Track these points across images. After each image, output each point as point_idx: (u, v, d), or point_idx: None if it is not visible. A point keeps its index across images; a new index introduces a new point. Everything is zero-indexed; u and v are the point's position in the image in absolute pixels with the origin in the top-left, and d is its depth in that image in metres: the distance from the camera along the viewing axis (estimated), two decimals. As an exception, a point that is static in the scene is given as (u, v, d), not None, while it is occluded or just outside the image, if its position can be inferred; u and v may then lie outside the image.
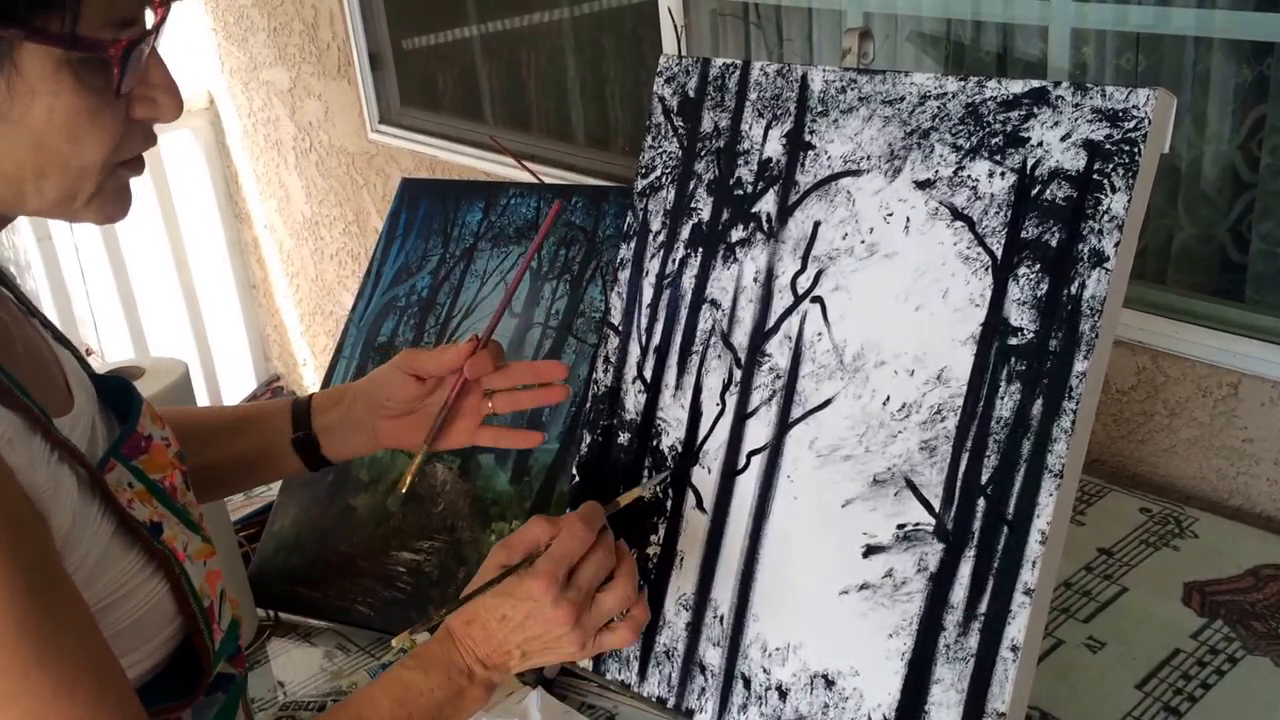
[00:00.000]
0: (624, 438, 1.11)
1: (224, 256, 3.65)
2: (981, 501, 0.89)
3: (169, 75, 0.76)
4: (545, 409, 1.33)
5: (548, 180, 1.71)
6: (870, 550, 0.94)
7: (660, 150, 1.12)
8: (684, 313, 1.08)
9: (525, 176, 1.81)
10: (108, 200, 0.76)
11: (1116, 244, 0.85)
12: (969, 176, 0.93)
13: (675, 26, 1.98)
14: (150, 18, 0.73)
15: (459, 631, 0.92)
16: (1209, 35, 1.48)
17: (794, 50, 1.98)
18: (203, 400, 3.46)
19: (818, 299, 1.00)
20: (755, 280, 1.04)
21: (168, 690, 0.82)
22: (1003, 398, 0.89)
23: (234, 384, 3.83)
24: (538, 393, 1.07)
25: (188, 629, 0.82)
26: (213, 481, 1.07)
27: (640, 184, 1.13)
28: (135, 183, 0.79)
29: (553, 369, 1.05)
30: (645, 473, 1.09)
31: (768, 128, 1.05)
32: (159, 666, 0.82)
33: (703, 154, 1.09)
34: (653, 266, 1.11)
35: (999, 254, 0.90)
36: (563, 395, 1.07)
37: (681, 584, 1.05)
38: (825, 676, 0.95)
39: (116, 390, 0.88)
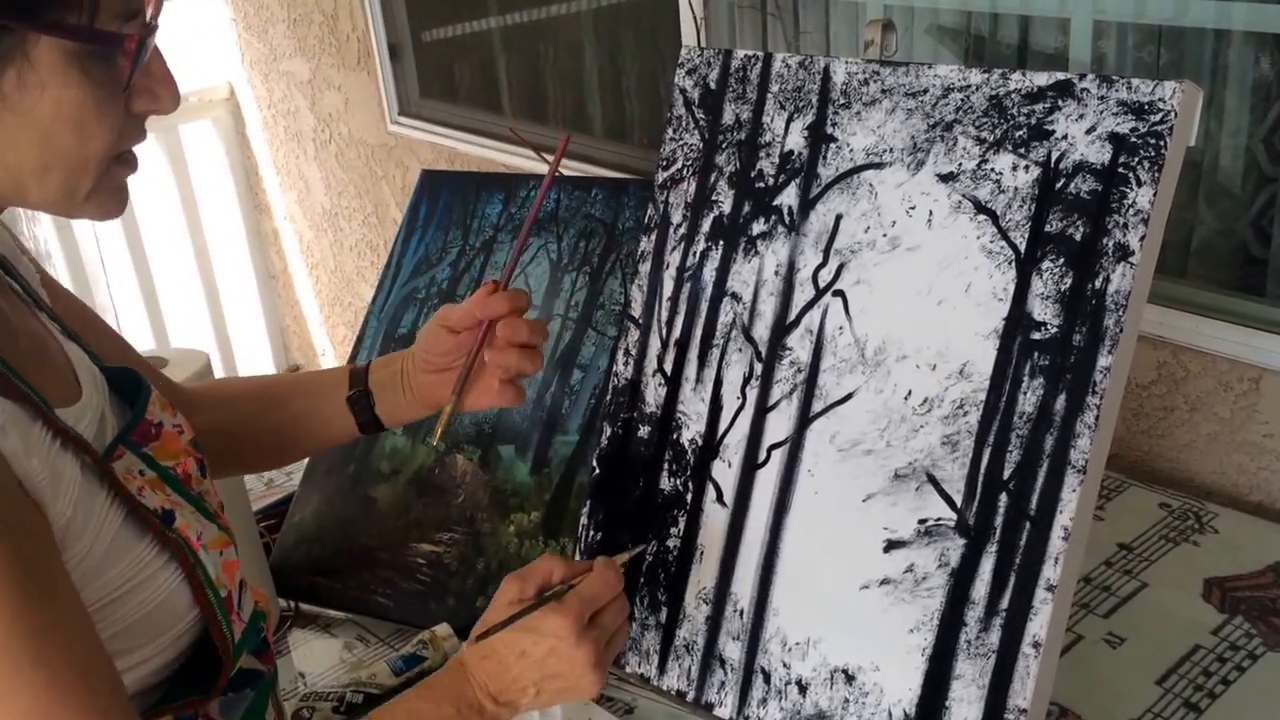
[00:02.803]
0: (644, 431, 1.11)
1: (244, 247, 3.66)
2: (1004, 497, 0.88)
3: (167, 68, 0.77)
4: (565, 401, 1.33)
5: (566, 172, 1.71)
6: (891, 545, 0.94)
7: (681, 142, 1.12)
8: (704, 306, 1.08)
9: (544, 169, 1.81)
10: (106, 196, 0.77)
11: (1141, 238, 0.85)
12: (992, 169, 0.92)
13: (695, 18, 1.97)
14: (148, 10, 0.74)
15: (473, 665, 0.91)
16: (1228, 28, 1.46)
17: (811, 42, 1.97)
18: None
19: (839, 292, 1.00)
20: (776, 273, 1.04)
21: (189, 684, 0.81)
22: (1025, 393, 0.88)
23: (254, 374, 3.84)
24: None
25: (205, 620, 0.82)
26: (273, 446, 1.10)
27: (661, 176, 1.13)
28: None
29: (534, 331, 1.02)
30: (664, 468, 1.09)
31: (789, 120, 1.05)
32: (179, 659, 0.81)
33: (724, 146, 1.09)
34: (673, 259, 1.11)
35: (1022, 248, 0.90)
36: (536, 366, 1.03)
37: (702, 578, 1.05)
38: (845, 671, 0.95)
39: (126, 381, 0.88)
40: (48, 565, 0.70)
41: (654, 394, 1.11)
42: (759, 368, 1.04)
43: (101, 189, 0.76)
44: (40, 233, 3.75)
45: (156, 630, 0.79)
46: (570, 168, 2.14)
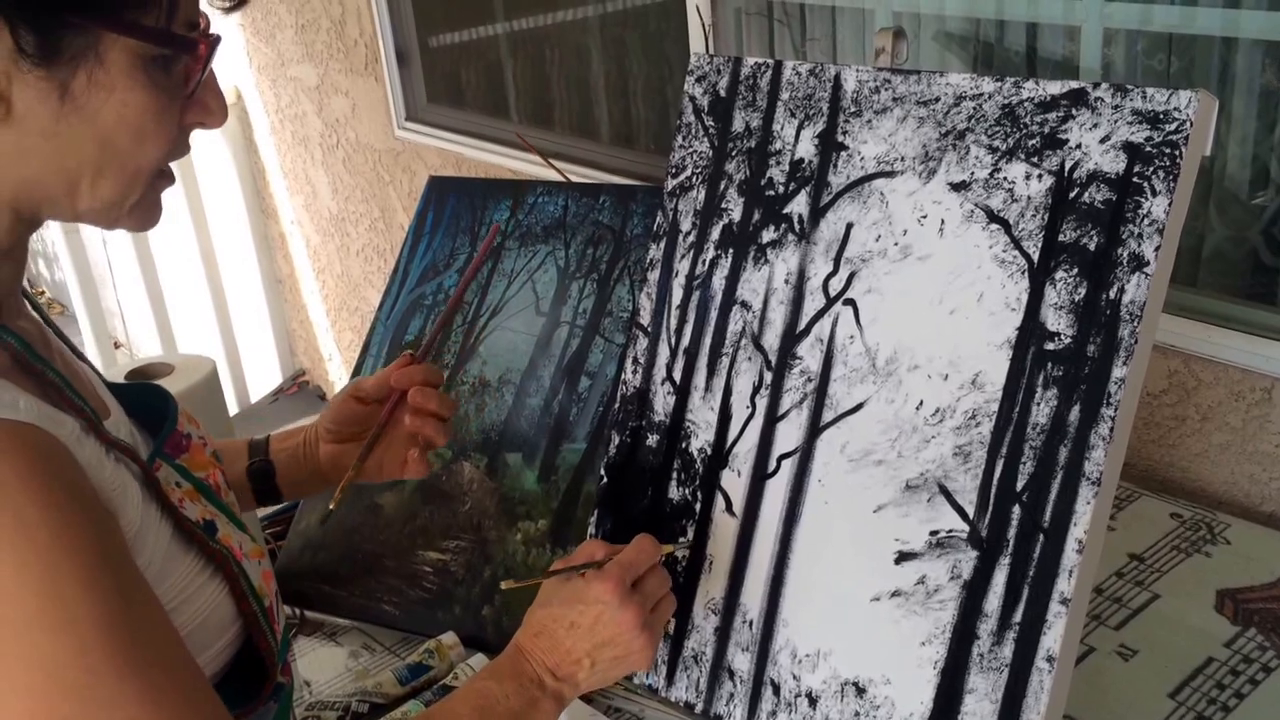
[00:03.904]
0: (652, 439, 1.10)
1: (251, 252, 3.66)
2: (1016, 509, 0.88)
3: (218, 83, 0.77)
4: (573, 408, 1.33)
5: (573, 178, 1.71)
6: (902, 557, 0.93)
7: (691, 150, 1.11)
8: (714, 314, 1.08)
9: (550, 174, 1.80)
10: (147, 208, 0.78)
11: (1157, 248, 0.84)
12: (1005, 178, 0.92)
13: (703, 25, 1.97)
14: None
15: (527, 645, 0.93)
16: (1235, 35, 1.46)
17: (820, 49, 1.96)
18: (229, 394, 3.47)
19: (850, 301, 0.99)
20: (786, 282, 1.03)
21: (232, 697, 0.81)
22: (1039, 403, 0.88)
23: (259, 378, 3.84)
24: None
25: (248, 631, 0.81)
26: None
27: (670, 184, 1.12)
28: None
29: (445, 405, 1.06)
30: (673, 477, 1.08)
31: (800, 128, 1.04)
32: (221, 673, 0.81)
33: (734, 154, 1.08)
34: (682, 267, 1.10)
35: (1036, 257, 0.89)
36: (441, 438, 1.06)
37: (710, 588, 1.04)
38: (856, 684, 0.94)
39: (145, 396, 0.87)
40: (133, 572, 0.70)
41: (663, 402, 1.10)
42: (769, 377, 1.03)
43: (145, 200, 0.77)
44: (48, 235, 3.75)
45: (205, 643, 0.79)
46: (578, 174, 2.14)
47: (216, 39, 0.75)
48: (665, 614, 0.98)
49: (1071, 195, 0.88)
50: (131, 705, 0.65)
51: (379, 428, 1.05)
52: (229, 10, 0.83)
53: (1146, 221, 0.85)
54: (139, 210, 0.77)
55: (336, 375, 3.61)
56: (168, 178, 0.79)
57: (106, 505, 0.71)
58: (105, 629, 0.65)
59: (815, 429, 0.99)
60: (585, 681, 0.93)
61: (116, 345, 4.02)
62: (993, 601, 0.88)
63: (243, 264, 3.70)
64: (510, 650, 0.94)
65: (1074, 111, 0.89)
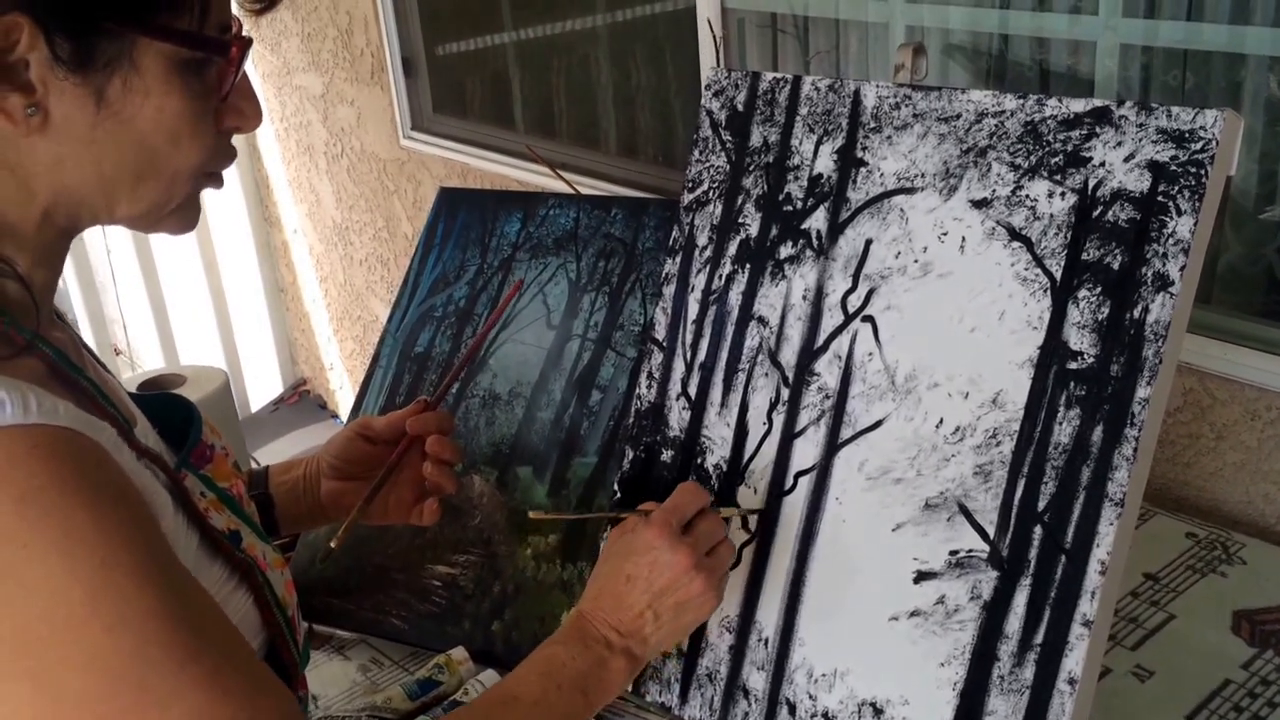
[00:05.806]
0: (667, 455, 1.09)
1: (253, 260, 3.65)
2: (1038, 529, 0.87)
3: (253, 87, 0.77)
4: (584, 422, 1.32)
5: (579, 188, 1.70)
6: (921, 576, 0.92)
7: (708, 164, 1.10)
8: (730, 329, 1.07)
9: (556, 185, 1.80)
10: (186, 211, 0.78)
11: (1182, 268, 0.83)
12: (1027, 196, 0.91)
13: (714, 37, 1.96)
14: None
15: (588, 608, 0.93)
16: (1241, 51, 1.45)
17: (823, 61, 1.96)
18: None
19: (869, 318, 0.98)
20: (804, 298, 1.02)
21: None
22: (1061, 423, 0.87)
23: (260, 387, 3.84)
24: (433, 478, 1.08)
25: (273, 641, 0.81)
26: None
27: (687, 198, 1.11)
28: None
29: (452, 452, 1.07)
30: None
31: (819, 143, 1.03)
32: None
33: (751, 169, 1.07)
34: (699, 282, 1.10)
35: (1058, 276, 0.89)
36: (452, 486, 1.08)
37: (725, 605, 1.03)
38: (873, 705, 0.93)
39: (165, 406, 0.87)
40: (179, 565, 0.70)
41: (677, 418, 1.09)
42: (786, 393, 1.02)
43: (186, 203, 0.77)
44: (50, 243, 3.72)
45: None
46: (583, 185, 2.13)
47: (248, 41, 0.75)
48: (724, 559, 0.96)
49: (1095, 214, 0.88)
50: (194, 692, 0.65)
51: (388, 469, 1.05)
52: (260, 12, 0.83)
53: (1171, 241, 0.84)
54: (179, 213, 0.77)
55: (338, 384, 3.60)
56: (215, 179, 0.79)
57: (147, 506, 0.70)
58: (160, 621, 0.64)
59: (833, 446, 0.99)
60: (654, 635, 0.92)
61: (117, 352, 4.01)
62: (1013, 623, 0.87)
63: (245, 272, 3.69)
64: (573, 616, 0.93)
65: (1098, 129, 0.88)
